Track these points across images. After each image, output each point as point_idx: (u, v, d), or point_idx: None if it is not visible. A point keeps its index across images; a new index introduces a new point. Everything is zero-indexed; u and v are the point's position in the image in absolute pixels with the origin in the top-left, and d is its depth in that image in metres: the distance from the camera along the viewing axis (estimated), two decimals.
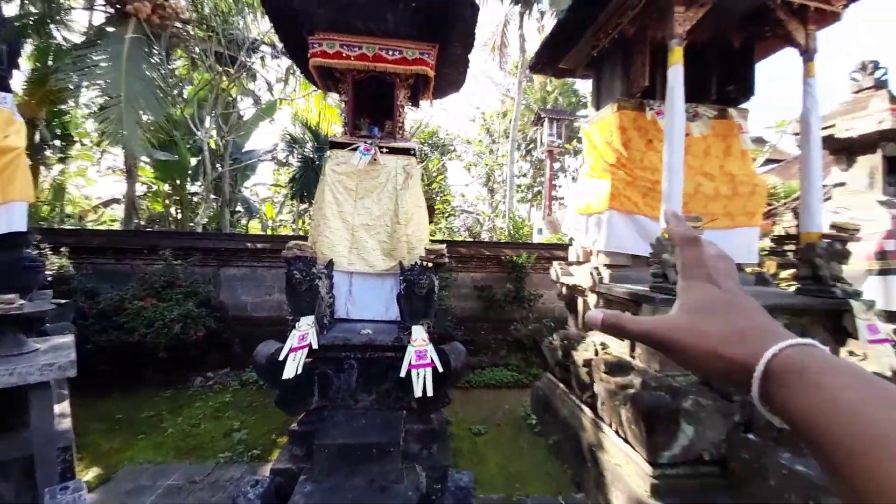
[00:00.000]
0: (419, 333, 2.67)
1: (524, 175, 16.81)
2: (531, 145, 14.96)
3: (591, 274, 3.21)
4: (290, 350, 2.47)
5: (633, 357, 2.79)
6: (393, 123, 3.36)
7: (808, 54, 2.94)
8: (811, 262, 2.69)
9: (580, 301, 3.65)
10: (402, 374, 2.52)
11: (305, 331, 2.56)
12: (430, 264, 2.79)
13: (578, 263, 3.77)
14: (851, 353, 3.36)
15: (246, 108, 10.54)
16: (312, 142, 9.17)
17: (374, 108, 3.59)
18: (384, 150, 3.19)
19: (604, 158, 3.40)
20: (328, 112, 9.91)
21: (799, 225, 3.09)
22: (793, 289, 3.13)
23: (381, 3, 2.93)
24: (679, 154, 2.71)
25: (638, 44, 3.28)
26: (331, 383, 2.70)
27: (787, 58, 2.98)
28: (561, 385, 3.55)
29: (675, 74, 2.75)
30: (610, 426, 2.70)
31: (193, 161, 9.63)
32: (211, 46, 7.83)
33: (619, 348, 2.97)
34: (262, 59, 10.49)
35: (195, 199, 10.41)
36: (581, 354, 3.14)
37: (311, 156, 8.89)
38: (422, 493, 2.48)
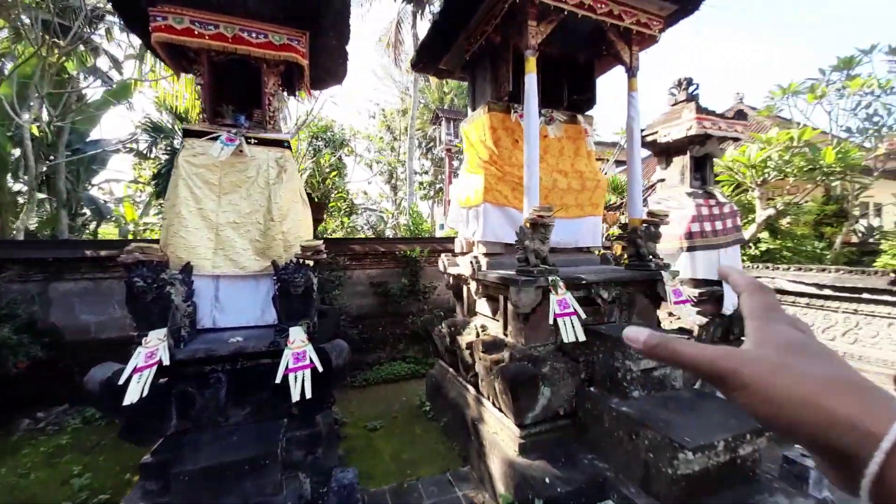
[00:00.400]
0: (297, 335, 2.55)
1: (426, 172, 17.13)
2: (431, 143, 15.31)
3: (472, 263, 3.44)
4: (135, 370, 2.14)
5: (506, 335, 3.08)
6: (262, 112, 3.12)
7: (631, 72, 3.55)
8: (635, 242, 3.30)
9: (465, 289, 3.88)
10: (279, 379, 2.38)
11: (155, 346, 2.24)
12: (309, 261, 2.68)
13: (463, 254, 4.00)
14: (670, 314, 4.23)
15: (88, 87, 8.70)
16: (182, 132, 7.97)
17: (241, 94, 3.27)
18: (252, 140, 2.94)
19: (479, 155, 3.66)
20: None
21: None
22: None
23: None
24: (536, 152, 3.06)
25: (503, 52, 3.59)
26: (192, 402, 2.41)
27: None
28: (450, 370, 3.75)
29: (531, 82, 3.08)
30: (488, 399, 2.95)
31: (17, 152, 7.60)
32: (38, 14, 6.28)
33: (495, 329, 3.26)
34: (108, 31, 8.79)
35: (19, 199, 8.23)
36: (465, 338, 3.35)
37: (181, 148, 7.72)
38: (306, 499, 2.39)
